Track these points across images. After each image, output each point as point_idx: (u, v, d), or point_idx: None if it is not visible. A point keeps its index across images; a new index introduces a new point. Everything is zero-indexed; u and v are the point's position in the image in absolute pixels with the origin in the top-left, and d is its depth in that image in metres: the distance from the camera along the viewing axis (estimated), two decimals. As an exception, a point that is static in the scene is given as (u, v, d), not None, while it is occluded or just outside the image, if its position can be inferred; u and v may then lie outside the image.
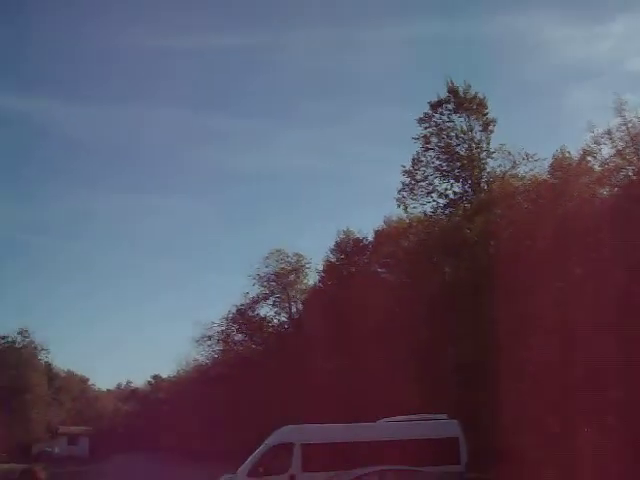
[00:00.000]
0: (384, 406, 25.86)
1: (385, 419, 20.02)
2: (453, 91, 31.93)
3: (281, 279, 53.56)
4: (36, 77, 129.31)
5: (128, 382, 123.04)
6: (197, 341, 58.25)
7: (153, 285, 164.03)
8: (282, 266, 53.53)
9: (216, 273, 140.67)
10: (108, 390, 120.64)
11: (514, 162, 30.62)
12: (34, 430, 67.33)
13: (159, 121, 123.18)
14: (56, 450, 71.03)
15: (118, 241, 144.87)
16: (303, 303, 51.90)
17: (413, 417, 19.72)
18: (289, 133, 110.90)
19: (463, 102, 31.66)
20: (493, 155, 31.49)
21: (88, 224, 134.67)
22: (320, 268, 48.28)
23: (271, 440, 18.56)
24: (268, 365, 48.57)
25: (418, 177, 32.54)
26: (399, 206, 33.73)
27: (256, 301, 54.64)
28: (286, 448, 17.87)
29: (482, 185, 31.66)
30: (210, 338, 57.69)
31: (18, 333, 72.87)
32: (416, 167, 32.61)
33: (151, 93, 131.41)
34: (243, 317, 55.72)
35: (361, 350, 33.55)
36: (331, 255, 45.30)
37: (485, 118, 31.67)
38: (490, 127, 31.80)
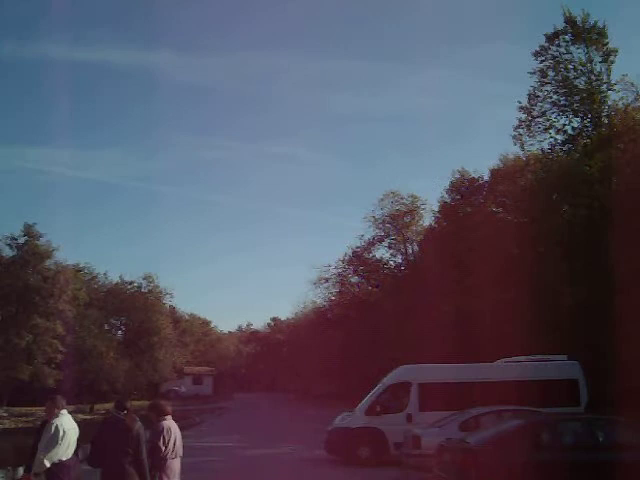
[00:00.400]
0: (500, 348, 25.55)
1: (504, 360, 19.67)
2: (570, 21, 29.88)
3: (396, 221, 53.08)
4: (157, 29, 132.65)
5: (248, 324, 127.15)
6: (314, 284, 59.00)
7: (271, 230, 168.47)
8: (397, 208, 52.99)
9: (333, 216, 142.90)
10: (229, 332, 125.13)
11: (637, 94, 28.83)
12: (162, 370, 70.88)
13: (280, 68, 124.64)
14: (182, 389, 74.68)
15: (239, 188, 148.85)
16: (419, 244, 51.49)
17: (532, 358, 19.35)
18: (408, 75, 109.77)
19: (581, 32, 29.58)
20: (614, 87, 29.40)
21: (210, 171, 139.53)
22: (435, 209, 47.59)
23: (388, 379, 18.69)
24: (384, 307, 48.72)
25: (535, 113, 31.02)
26: (515, 144, 32.61)
27: (372, 243, 54.50)
28: (403, 387, 17.94)
29: (602, 119, 29.75)
30: (327, 280, 58.23)
31: (143, 279, 76.52)
32: (533, 103, 31.04)
33: (272, 39, 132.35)
34: (359, 259, 55.82)
35: (477, 291, 32.94)
36: (446, 195, 44.38)
37: (605, 48, 29.44)
38: (611, 57, 29.51)
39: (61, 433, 8.16)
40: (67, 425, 8.35)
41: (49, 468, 8.03)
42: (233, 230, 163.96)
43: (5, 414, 43.49)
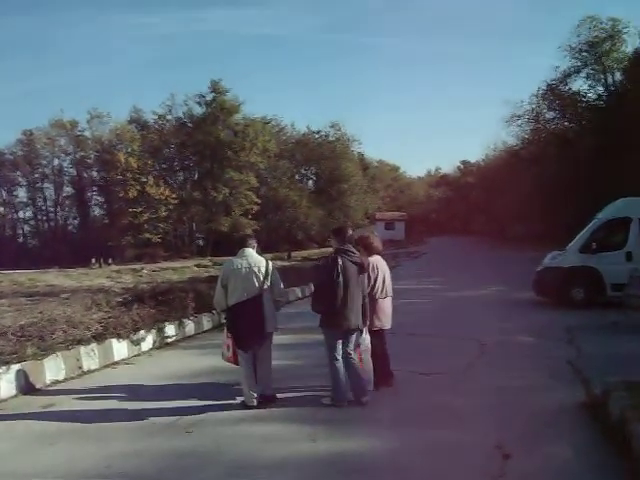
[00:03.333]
0: None
1: None
2: None
3: (595, 48, 47.85)
4: None
5: (437, 168, 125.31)
6: (506, 121, 55.49)
7: (458, 70, 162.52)
8: (595, 34, 47.63)
9: (524, 52, 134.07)
10: (418, 177, 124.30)
11: None
12: (353, 217, 71.79)
13: None
14: (375, 234, 75.38)
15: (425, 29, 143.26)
16: (623, 72, 46.23)
17: None
18: None
19: None
20: None
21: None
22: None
23: (604, 214, 16.59)
24: (583, 143, 45.11)
25: None
26: None
27: (567, 75, 49.78)
28: (622, 223, 15.86)
29: None
30: (520, 117, 54.56)
31: (330, 127, 76.45)
32: None
33: None
34: (554, 93, 51.36)
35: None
36: None
37: None
38: None
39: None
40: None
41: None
42: (417, 74, 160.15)
43: (209, 263, 45.95)
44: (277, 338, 8.04)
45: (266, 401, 7.60)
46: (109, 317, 11.15)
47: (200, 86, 75.00)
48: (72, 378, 9.31)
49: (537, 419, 6.73)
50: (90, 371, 9.76)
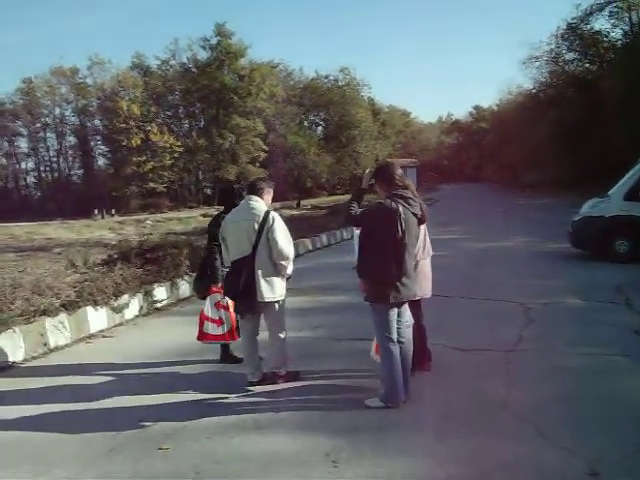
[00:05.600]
0: None
1: None
2: None
3: (619, -16, 45.03)
4: None
5: (449, 114, 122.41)
6: (524, 63, 53.06)
7: (471, 17, 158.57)
8: (621, -31, 44.77)
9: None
10: (430, 123, 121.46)
11: None
12: (364, 163, 69.87)
13: None
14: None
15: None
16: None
17: None
18: None
19: None
20: None
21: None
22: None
23: (654, 156, 14.71)
24: (605, 85, 42.69)
25: None
26: None
27: (589, 13, 46.77)
28: None
29: None
30: (538, 59, 52.03)
31: (340, 71, 73.87)
32: None
33: None
34: (574, 33, 48.66)
35: None
36: None
37: None
38: None
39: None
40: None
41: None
42: (431, 20, 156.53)
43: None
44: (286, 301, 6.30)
45: (274, 378, 6.20)
46: (85, 280, 9.42)
47: (206, 32, 72.38)
48: (34, 358, 7.62)
49: (615, 418, 5.03)
50: (58, 348, 8.05)
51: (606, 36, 48.57)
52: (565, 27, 49.30)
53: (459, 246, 17.17)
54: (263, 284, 5.95)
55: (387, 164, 5.85)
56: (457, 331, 7.91)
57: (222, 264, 6.56)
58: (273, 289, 6.03)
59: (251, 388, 6.09)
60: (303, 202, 53.43)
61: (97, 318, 8.90)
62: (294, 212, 35.71)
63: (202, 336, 6.83)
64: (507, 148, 65.64)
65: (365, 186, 5.60)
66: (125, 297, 9.55)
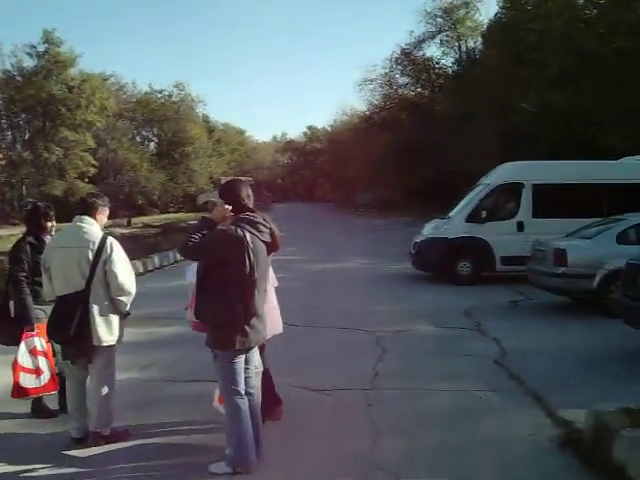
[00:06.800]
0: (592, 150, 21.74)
1: (632, 157, 15.55)
2: None
3: (450, 15, 47.42)
4: None
5: (283, 134, 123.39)
6: (359, 85, 54.29)
7: (307, 35, 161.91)
8: (451, 0, 47.15)
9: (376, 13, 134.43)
10: (264, 142, 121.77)
11: None
12: (198, 181, 68.72)
13: None
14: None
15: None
16: (482, 38, 45.70)
17: None
18: None
19: None
20: None
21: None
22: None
23: (492, 179, 14.84)
24: (436, 109, 44.52)
25: None
26: None
27: (422, 40, 49.15)
28: (512, 189, 14.24)
29: None
30: (372, 82, 53.46)
31: (174, 86, 72.13)
32: None
33: None
34: (408, 58, 50.64)
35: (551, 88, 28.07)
36: None
37: None
38: None
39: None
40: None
41: None
42: (267, 38, 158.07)
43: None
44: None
45: (95, 438, 5.02)
46: None
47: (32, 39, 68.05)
48: None
49: (508, 469, 4.47)
50: None
51: (437, 63, 51.45)
52: (399, 52, 51.27)
53: (298, 268, 16.58)
54: (100, 325, 4.91)
55: (232, 181, 4.95)
56: (307, 367, 7.16)
57: (37, 300, 5.44)
58: (111, 330, 5.00)
59: (69, 453, 4.92)
60: (134, 220, 51.27)
61: None
62: (124, 231, 33.90)
63: (20, 392, 5.46)
64: (341, 168, 66.78)
65: (218, 219, 4.53)
66: None
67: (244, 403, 4.45)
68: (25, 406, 5.79)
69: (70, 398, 5.22)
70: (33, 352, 5.42)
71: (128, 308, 5.16)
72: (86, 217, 5.11)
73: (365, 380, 6.63)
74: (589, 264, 10.08)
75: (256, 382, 4.74)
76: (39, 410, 5.76)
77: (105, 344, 4.97)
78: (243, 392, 4.47)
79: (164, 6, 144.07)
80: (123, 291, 5.00)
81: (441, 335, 8.94)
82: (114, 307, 5.02)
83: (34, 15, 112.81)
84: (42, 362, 5.44)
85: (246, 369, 4.54)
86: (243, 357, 4.48)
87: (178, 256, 19.66)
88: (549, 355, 7.72)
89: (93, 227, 5.07)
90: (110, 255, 4.93)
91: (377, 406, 5.84)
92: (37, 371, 5.41)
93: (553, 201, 13.84)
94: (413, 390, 6.35)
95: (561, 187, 13.81)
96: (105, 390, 5.07)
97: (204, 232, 4.41)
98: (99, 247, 4.93)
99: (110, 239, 5.04)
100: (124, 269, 5.03)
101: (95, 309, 4.89)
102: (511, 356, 7.58)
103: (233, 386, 4.42)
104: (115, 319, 5.05)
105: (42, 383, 5.44)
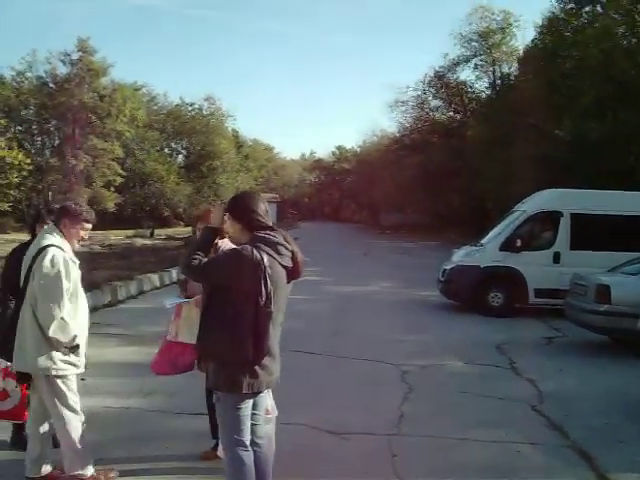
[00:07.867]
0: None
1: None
2: None
3: (485, 39, 46.65)
4: None
5: (312, 152, 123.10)
6: (390, 106, 53.71)
7: (340, 58, 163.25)
8: (487, 25, 46.35)
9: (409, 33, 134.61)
10: (293, 160, 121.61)
11: None
12: (224, 195, 68.28)
13: None
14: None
15: (306, 18, 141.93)
16: (518, 64, 44.97)
17: None
18: None
19: None
20: None
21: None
22: (538, 22, 40.11)
23: (530, 207, 14.10)
24: (468, 134, 43.89)
25: None
26: None
27: (456, 63, 48.26)
28: (550, 218, 13.51)
29: None
30: (404, 103, 52.86)
31: (205, 100, 72.13)
32: None
33: None
34: (441, 81, 49.98)
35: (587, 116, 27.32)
36: (555, 4, 36.29)
37: None
38: None
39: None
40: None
41: None
42: (300, 61, 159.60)
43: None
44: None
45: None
46: None
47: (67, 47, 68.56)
48: None
49: None
50: None
51: (471, 87, 50.47)
52: (432, 74, 50.52)
53: (321, 290, 15.93)
54: (25, 349, 4.26)
55: (244, 194, 4.14)
56: (325, 404, 6.44)
57: None
58: (36, 361, 4.26)
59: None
60: (158, 231, 51.09)
61: None
62: (147, 241, 33.58)
63: None
64: (369, 190, 66.28)
65: (217, 224, 3.85)
66: None
67: (248, 456, 3.72)
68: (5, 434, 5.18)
69: (27, 425, 4.69)
70: (2, 372, 4.70)
71: (67, 339, 4.29)
72: (51, 224, 4.61)
73: (389, 423, 5.92)
74: (634, 303, 9.34)
75: (266, 430, 4.03)
76: (20, 441, 5.11)
77: (22, 370, 4.32)
78: (248, 443, 3.75)
79: (196, 25, 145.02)
80: (47, 319, 4.22)
81: (472, 373, 8.23)
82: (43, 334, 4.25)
83: (68, 22, 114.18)
84: (10, 385, 4.65)
85: (254, 415, 3.83)
86: (251, 402, 3.77)
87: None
88: (591, 401, 6.98)
89: (48, 237, 4.39)
90: (39, 271, 4.25)
91: (403, 456, 5.11)
92: (3, 394, 4.66)
93: (593, 232, 13.06)
94: (443, 438, 5.62)
95: (602, 218, 13.05)
96: (63, 428, 4.39)
97: (209, 244, 3.80)
98: (34, 257, 4.31)
99: (50, 251, 4.30)
100: (48, 292, 4.25)
101: (23, 329, 4.27)
102: (550, 401, 6.85)
103: (236, 436, 3.69)
104: (43, 346, 4.26)
105: (8, 407, 4.68)
